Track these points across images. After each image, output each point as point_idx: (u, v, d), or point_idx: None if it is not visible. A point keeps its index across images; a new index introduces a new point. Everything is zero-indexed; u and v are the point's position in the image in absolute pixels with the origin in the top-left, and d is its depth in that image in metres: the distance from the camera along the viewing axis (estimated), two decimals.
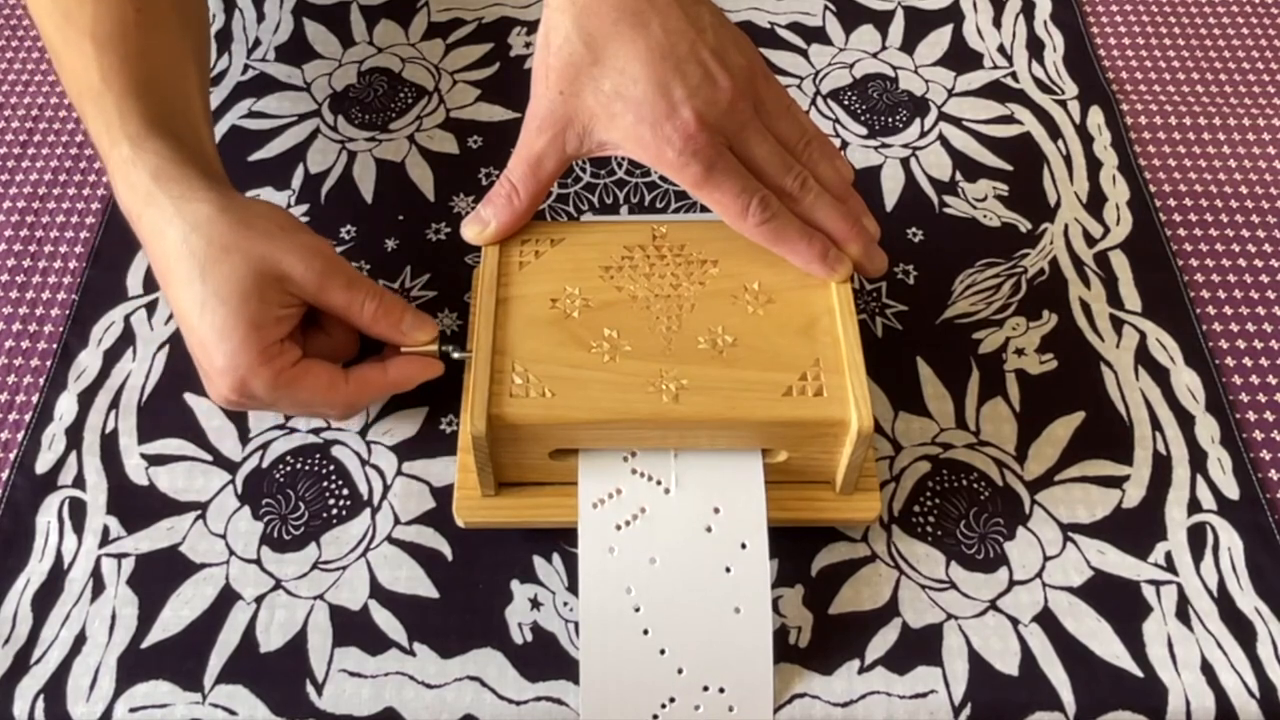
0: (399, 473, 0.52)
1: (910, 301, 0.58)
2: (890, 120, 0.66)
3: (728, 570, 0.45)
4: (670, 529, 0.45)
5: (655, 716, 0.45)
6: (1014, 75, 0.69)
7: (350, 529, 0.51)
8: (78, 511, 0.51)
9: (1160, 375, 0.56)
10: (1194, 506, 0.52)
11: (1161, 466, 0.53)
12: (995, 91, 0.68)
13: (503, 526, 0.49)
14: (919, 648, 0.48)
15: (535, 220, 0.50)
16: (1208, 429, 0.54)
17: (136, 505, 0.51)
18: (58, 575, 0.50)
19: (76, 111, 0.52)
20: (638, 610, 0.45)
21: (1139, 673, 0.47)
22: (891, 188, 0.63)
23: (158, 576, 0.50)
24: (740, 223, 0.47)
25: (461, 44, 0.70)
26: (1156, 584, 0.50)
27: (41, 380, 0.56)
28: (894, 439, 0.54)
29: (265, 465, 0.53)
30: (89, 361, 0.56)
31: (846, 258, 0.48)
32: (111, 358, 0.56)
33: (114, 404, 0.55)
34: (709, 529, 0.45)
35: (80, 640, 0.48)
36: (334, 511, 0.51)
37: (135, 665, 0.47)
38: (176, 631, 0.48)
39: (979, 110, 0.67)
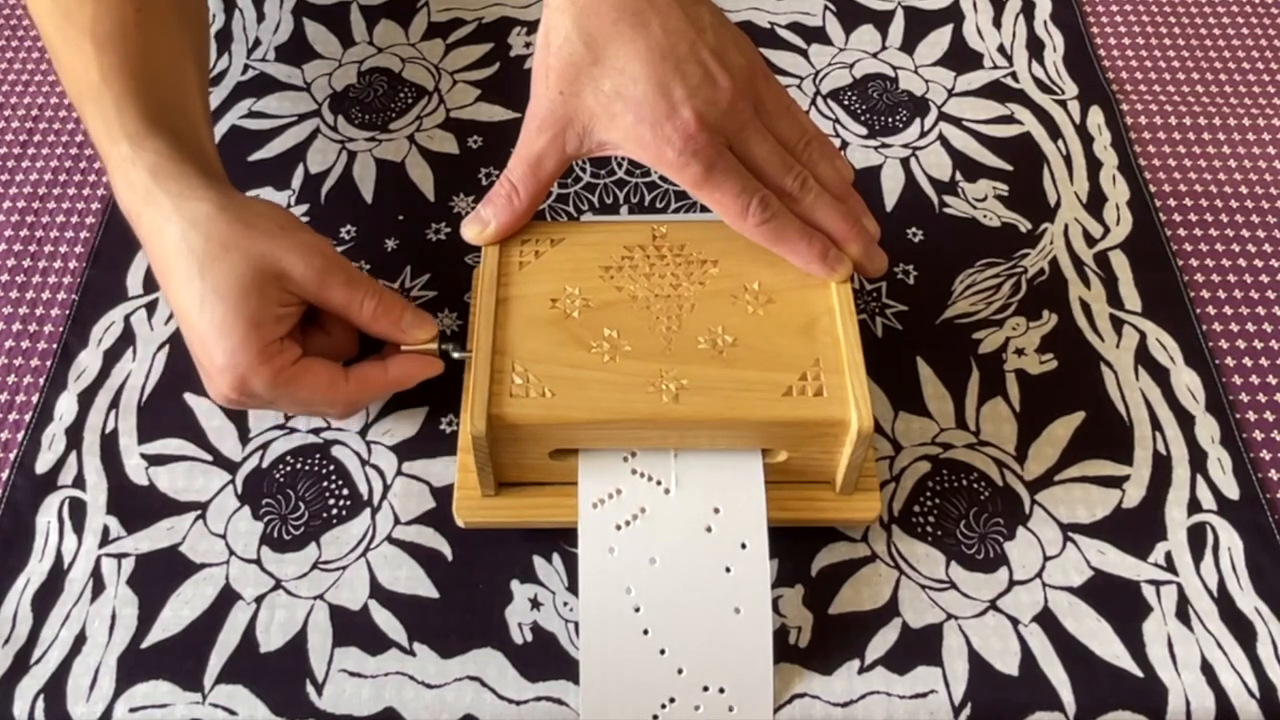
0: (399, 473, 0.52)
1: (910, 301, 0.58)
2: (890, 120, 0.66)
3: (728, 570, 0.45)
4: (670, 529, 0.45)
5: (655, 716, 0.45)
6: (1014, 75, 0.69)
7: (350, 529, 0.51)
8: (78, 511, 0.51)
9: (1160, 375, 0.56)
10: (1194, 506, 0.52)
11: (1161, 466, 0.53)
12: (995, 91, 0.68)
13: (503, 526, 0.49)
14: (919, 648, 0.48)
15: (535, 220, 0.50)
16: (1208, 429, 0.54)
17: (136, 505, 0.51)
18: (58, 575, 0.50)
19: (76, 111, 0.52)
20: (638, 610, 0.45)
21: (1139, 673, 0.47)
22: (891, 188, 0.63)
23: (158, 576, 0.50)
24: (740, 223, 0.47)
25: (461, 44, 0.70)
26: (1156, 584, 0.50)
27: (41, 380, 0.56)
28: (894, 439, 0.54)
29: (265, 465, 0.53)
30: (89, 361, 0.56)
31: (846, 258, 0.48)
32: (111, 358, 0.56)
33: (114, 404, 0.55)
34: (709, 529, 0.45)
35: (80, 640, 0.48)
36: (334, 511, 0.51)
37: (135, 665, 0.47)
38: (176, 631, 0.48)
39: (979, 110, 0.67)
